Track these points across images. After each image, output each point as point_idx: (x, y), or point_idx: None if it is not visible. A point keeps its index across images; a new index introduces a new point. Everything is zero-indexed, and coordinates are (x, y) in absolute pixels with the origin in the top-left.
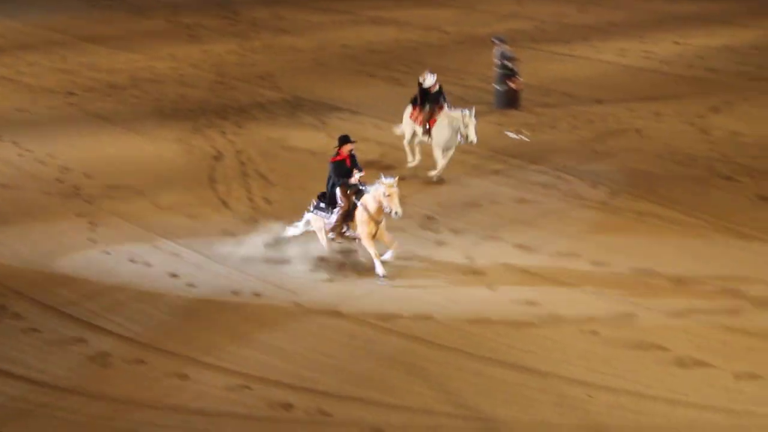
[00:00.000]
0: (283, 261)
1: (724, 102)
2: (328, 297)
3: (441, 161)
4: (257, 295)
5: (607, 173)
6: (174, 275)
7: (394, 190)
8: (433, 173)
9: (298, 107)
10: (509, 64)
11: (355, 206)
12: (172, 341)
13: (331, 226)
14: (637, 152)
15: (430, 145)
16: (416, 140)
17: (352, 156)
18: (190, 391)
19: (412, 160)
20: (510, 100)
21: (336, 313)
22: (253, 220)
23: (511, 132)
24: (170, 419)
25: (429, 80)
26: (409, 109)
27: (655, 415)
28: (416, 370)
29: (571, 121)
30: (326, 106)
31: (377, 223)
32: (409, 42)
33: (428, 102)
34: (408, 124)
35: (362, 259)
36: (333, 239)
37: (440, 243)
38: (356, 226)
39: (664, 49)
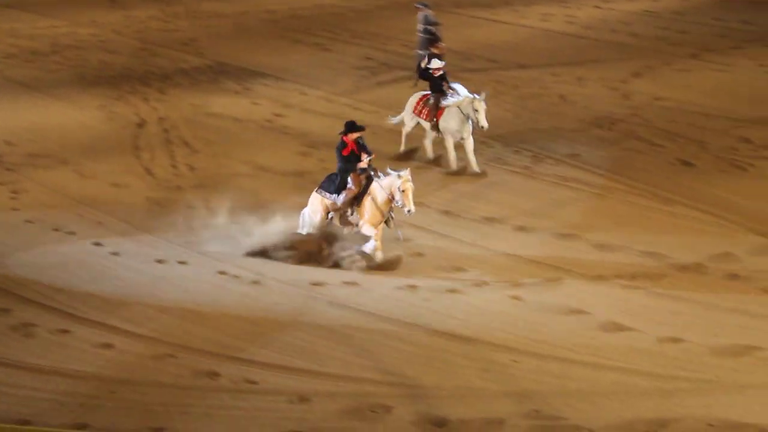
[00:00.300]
0: (211, 229)
1: (645, 67)
2: (253, 265)
3: (452, 153)
4: (182, 263)
5: (530, 138)
6: (98, 244)
7: (410, 186)
8: (474, 168)
9: (221, 73)
10: (432, 29)
11: (364, 191)
12: (97, 310)
13: (336, 207)
14: (560, 117)
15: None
16: (430, 136)
17: (358, 143)
18: (116, 360)
19: (402, 148)
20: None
21: (261, 282)
22: (177, 188)
23: None
24: (96, 389)
25: (435, 64)
26: (412, 100)
27: (579, 380)
28: (342, 338)
29: (495, 86)
30: (250, 72)
31: (383, 215)
32: (333, 7)
33: (432, 88)
34: (410, 117)
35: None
36: (331, 219)
37: None
38: (362, 212)
39: (587, 14)
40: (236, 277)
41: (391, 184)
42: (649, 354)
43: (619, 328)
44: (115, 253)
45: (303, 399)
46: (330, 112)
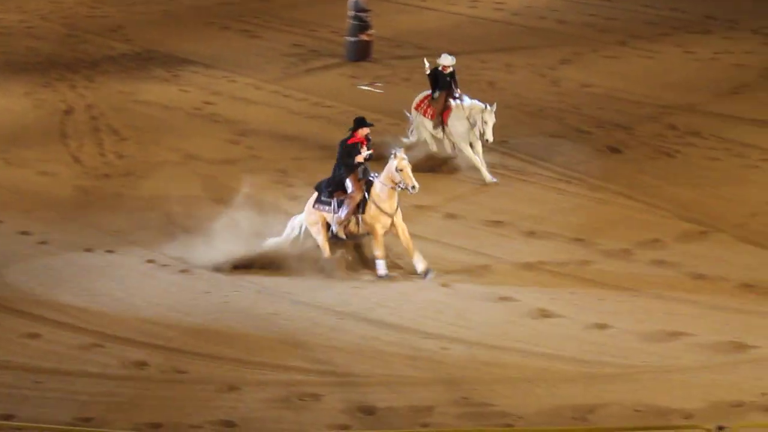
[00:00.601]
0: (139, 218)
1: (574, 54)
2: (181, 254)
3: (474, 157)
4: (110, 252)
5: None
6: (25, 233)
7: (406, 163)
8: (488, 178)
9: (149, 60)
10: (362, 16)
11: (365, 197)
12: (23, 300)
13: (339, 220)
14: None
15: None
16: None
17: (368, 140)
18: (42, 350)
19: (409, 139)
20: (362, 52)
21: (189, 271)
22: (105, 176)
23: (364, 85)
24: (22, 380)
25: (446, 60)
26: (416, 99)
27: (507, 367)
28: (271, 327)
29: (424, 73)
30: (178, 59)
31: (390, 216)
32: None
33: (439, 87)
34: (415, 117)
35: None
36: (336, 235)
37: (293, 197)
38: (366, 221)
39: (515, 0)
40: (165, 265)
41: (388, 171)
42: (576, 340)
43: (547, 314)
44: (43, 242)
45: (232, 388)
46: (259, 99)
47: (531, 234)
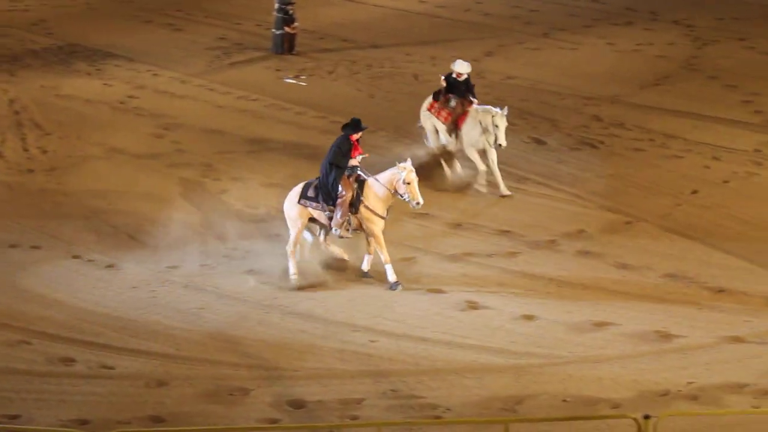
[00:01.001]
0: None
1: (498, 46)
2: (107, 250)
3: (483, 166)
4: (36, 248)
5: (385, 118)
6: None
7: (414, 176)
8: (503, 190)
9: (72, 54)
10: (287, 8)
11: (358, 197)
12: None
13: (337, 223)
14: (414, 96)
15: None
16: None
17: (358, 142)
18: None
19: (451, 172)
20: (286, 44)
21: (117, 267)
22: (29, 171)
23: (290, 77)
24: None
25: (461, 67)
26: (427, 101)
27: (435, 359)
28: (199, 321)
29: (349, 66)
30: (101, 53)
31: (383, 219)
32: None
33: (455, 94)
34: (427, 119)
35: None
36: (340, 236)
37: (221, 191)
38: (360, 222)
39: None
40: (91, 261)
41: (392, 178)
42: (504, 332)
43: (474, 306)
44: None
45: (160, 383)
46: (184, 93)
47: (457, 226)
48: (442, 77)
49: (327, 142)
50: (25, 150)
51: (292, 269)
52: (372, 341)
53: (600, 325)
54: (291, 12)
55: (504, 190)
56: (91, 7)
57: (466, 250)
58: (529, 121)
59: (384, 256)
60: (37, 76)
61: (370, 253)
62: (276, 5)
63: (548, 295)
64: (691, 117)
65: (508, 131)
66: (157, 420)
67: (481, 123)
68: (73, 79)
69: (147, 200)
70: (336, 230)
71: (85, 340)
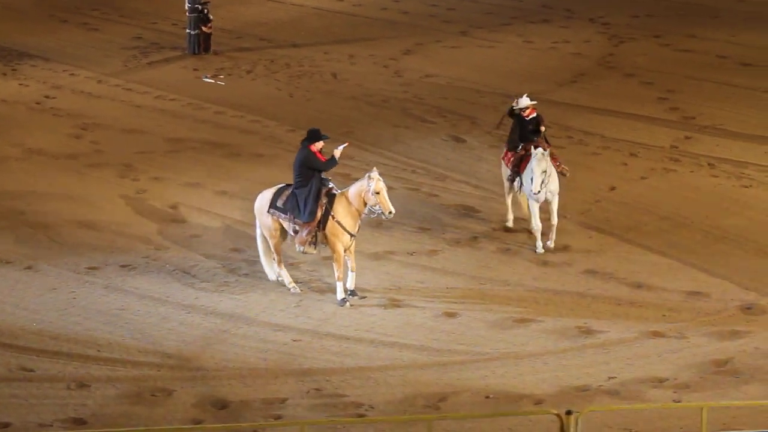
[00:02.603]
0: None
1: (416, 44)
2: (26, 251)
3: (536, 219)
4: None
5: (305, 117)
6: None
7: (383, 186)
8: (546, 243)
9: None
10: (201, 8)
11: (327, 212)
12: None
13: (301, 240)
14: (333, 95)
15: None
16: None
17: (321, 153)
18: None
19: (509, 219)
20: (202, 44)
21: (35, 268)
22: None
23: (208, 77)
24: None
25: (523, 102)
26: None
27: (358, 357)
28: (120, 322)
29: (268, 65)
30: (16, 52)
31: (352, 235)
32: None
33: (523, 137)
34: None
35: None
36: (303, 252)
37: (139, 191)
38: (327, 236)
39: None
40: (8, 263)
41: (360, 190)
42: (426, 329)
43: (396, 304)
44: None
45: (82, 385)
46: (102, 93)
47: (378, 224)
48: (510, 113)
49: (246, 140)
50: None
51: (287, 279)
52: (295, 340)
53: (521, 321)
54: (206, 11)
55: (549, 242)
56: (5, 6)
57: (386, 248)
58: (448, 118)
59: (338, 273)
60: None
61: (353, 270)
62: (187, 5)
63: (469, 293)
64: (609, 114)
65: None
66: (80, 422)
67: (546, 170)
68: None
69: (66, 201)
70: (299, 247)
71: (4, 342)
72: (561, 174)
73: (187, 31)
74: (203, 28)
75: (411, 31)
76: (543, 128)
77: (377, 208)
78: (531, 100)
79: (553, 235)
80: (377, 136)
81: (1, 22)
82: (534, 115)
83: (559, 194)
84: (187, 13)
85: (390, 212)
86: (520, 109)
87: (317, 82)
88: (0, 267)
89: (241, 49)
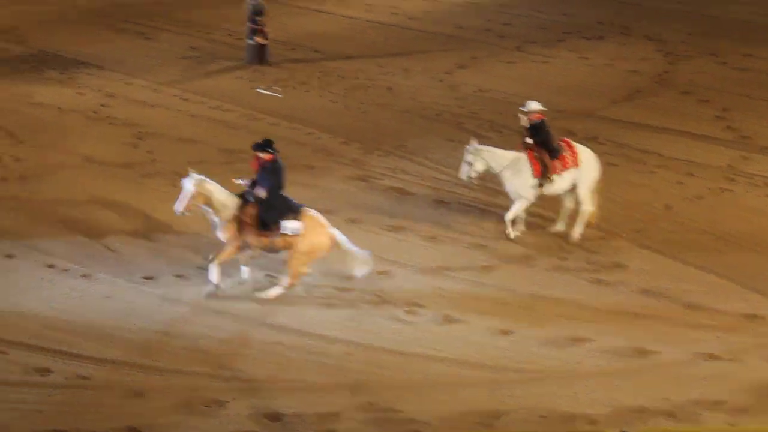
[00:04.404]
0: (38, 222)
1: (471, 58)
2: (82, 259)
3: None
4: (9, 257)
5: (359, 129)
6: None
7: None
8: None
9: (44, 62)
10: (256, 19)
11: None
12: None
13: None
14: (387, 108)
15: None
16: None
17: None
18: None
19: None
20: (258, 55)
21: (91, 276)
22: (2, 179)
23: (263, 88)
24: None
25: (531, 105)
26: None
27: (412, 372)
28: (174, 332)
29: (322, 77)
30: (73, 61)
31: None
32: None
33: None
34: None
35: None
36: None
37: None
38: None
39: (412, 5)
40: (65, 270)
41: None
42: (480, 346)
43: (450, 320)
44: None
45: (137, 394)
46: (157, 102)
47: (432, 239)
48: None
49: (299, 152)
50: None
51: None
52: (348, 354)
53: (575, 340)
54: (259, 22)
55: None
56: (63, 15)
57: (440, 263)
58: (503, 134)
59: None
60: (8, 84)
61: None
62: (248, 15)
63: (523, 310)
64: (665, 132)
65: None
66: (134, 431)
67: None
68: (45, 88)
69: (121, 210)
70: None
71: (60, 350)
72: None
73: (247, 41)
74: (259, 39)
75: (466, 45)
76: (529, 140)
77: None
78: (542, 107)
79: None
80: (430, 149)
81: (58, 31)
82: (538, 120)
83: (608, 210)
84: (247, 24)
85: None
86: (526, 112)
87: (371, 94)
88: (56, 275)
89: (295, 61)
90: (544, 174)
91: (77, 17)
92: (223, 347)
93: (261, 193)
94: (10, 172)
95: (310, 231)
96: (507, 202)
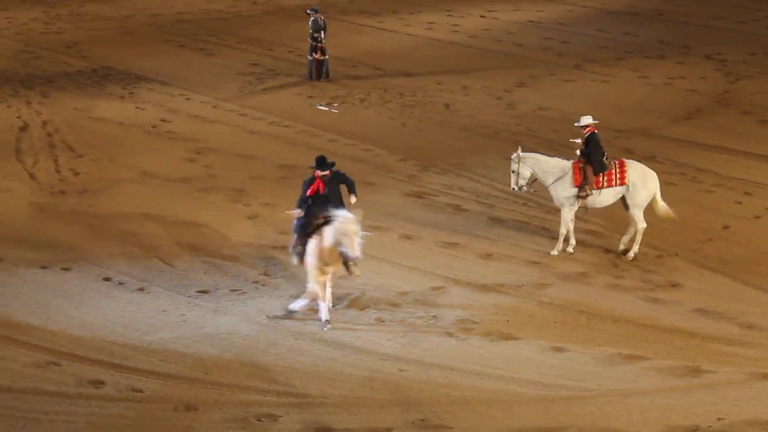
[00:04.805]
0: (95, 235)
1: (530, 77)
2: (138, 272)
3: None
4: (66, 269)
5: (416, 146)
6: None
7: (353, 229)
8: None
9: (105, 77)
10: (316, 36)
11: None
12: None
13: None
14: (445, 126)
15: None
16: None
17: (325, 181)
18: None
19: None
20: (317, 71)
21: (147, 290)
22: (61, 192)
23: (322, 104)
24: None
25: (584, 120)
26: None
27: (465, 389)
28: (228, 346)
29: (381, 93)
30: (134, 76)
31: (326, 264)
32: (218, 12)
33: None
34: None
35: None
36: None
37: (251, 216)
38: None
39: (471, 23)
40: (121, 284)
41: (337, 229)
42: (534, 363)
43: (504, 337)
44: None
45: (189, 407)
46: (216, 117)
47: (487, 256)
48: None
49: (358, 168)
50: (58, 172)
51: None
52: (401, 370)
53: (629, 358)
54: (319, 39)
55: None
56: (124, 30)
57: (495, 280)
58: (562, 152)
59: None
60: (70, 99)
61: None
62: (310, 32)
63: (577, 328)
64: (723, 151)
65: None
66: None
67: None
68: (106, 102)
69: (178, 224)
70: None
71: (114, 362)
72: None
73: (308, 57)
74: (319, 56)
75: (525, 63)
76: (577, 151)
77: (347, 250)
78: (593, 120)
79: None
80: (488, 167)
81: (120, 47)
82: (589, 133)
83: (665, 229)
84: (309, 41)
85: (355, 257)
86: (581, 126)
87: (430, 112)
88: (112, 288)
89: (355, 78)
90: (582, 185)
91: (139, 33)
92: (276, 362)
93: None
94: (69, 185)
95: None
96: (557, 219)
